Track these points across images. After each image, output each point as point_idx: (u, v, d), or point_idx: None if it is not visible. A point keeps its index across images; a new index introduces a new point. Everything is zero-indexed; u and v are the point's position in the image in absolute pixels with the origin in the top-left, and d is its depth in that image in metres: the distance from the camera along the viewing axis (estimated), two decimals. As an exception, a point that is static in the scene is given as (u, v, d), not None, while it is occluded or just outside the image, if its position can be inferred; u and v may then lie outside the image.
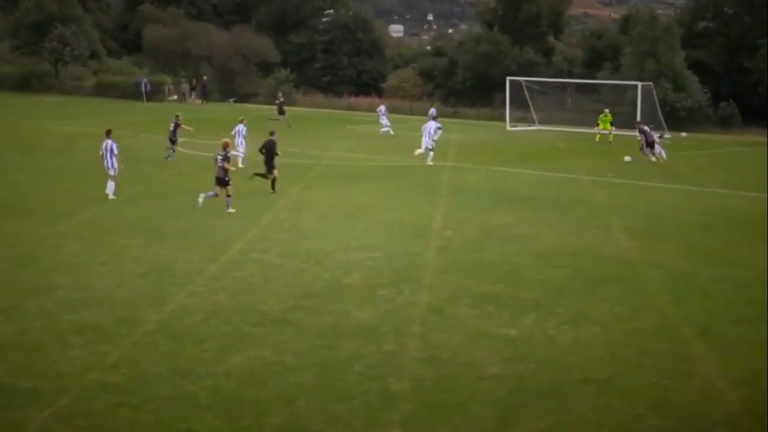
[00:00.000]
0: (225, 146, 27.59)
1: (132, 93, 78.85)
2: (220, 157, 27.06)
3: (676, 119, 60.98)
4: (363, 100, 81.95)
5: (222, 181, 26.88)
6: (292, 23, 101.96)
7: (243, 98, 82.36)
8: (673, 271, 20.04)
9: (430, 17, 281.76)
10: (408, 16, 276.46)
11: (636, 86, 56.41)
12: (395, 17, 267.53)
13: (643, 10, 77.67)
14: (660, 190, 32.72)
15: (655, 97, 57.21)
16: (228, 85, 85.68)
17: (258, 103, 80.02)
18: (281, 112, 59.03)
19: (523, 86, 62.03)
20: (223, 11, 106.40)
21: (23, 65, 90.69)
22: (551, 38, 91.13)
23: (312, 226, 24.67)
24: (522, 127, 56.08)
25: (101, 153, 29.34)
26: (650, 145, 41.46)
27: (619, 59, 72.06)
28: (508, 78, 63.06)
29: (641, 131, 42.55)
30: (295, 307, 16.95)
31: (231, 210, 26.43)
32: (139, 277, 18.90)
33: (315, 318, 16.26)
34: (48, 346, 14.57)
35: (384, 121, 53.74)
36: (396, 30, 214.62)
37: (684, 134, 57.07)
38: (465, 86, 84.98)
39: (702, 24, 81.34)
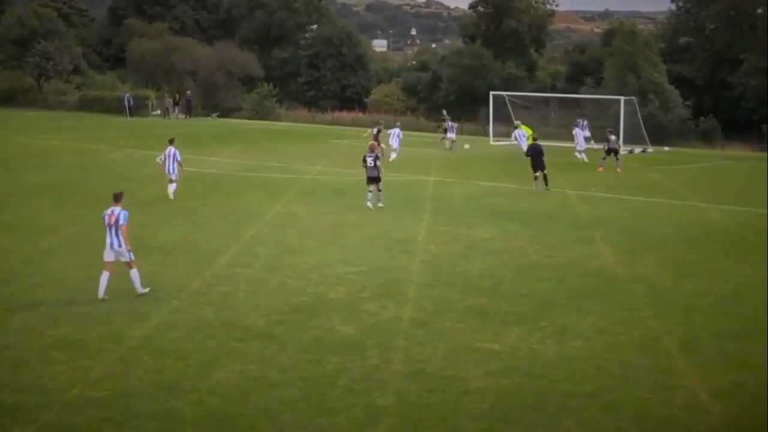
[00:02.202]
0: (372, 148, 30.79)
1: (115, 108, 78.77)
2: (370, 159, 29.93)
3: (658, 134, 61.25)
4: (347, 115, 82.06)
5: (374, 179, 29.87)
6: (275, 38, 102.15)
7: (226, 113, 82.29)
8: (655, 285, 20.12)
9: (413, 32, 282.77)
10: (391, 31, 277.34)
11: (619, 101, 56.59)
12: (379, 32, 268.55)
13: (625, 24, 78.02)
14: (643, 204, 32.85)
15: (638, 112, 57.43)
16: (211, 99, 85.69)
17: (241, 117, 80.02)
18: (446, 131, 58.18)
19: (506, 100, 62.18)
20: (206, 26, 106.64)
21: (6, 80, 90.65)
22: (534, 52, 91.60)
23: (296, 241, 24.67)
24: (505, 142, 56.21)
25: (162, 159, 31.66)
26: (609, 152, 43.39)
27: (602, 73, 72.47)
28: (491, 92, 63.22)
29: (606, 139, 44.18)
30: (279, 321, 16.94)
31: (381, 204, 29.86)
32: (123, 293, 18.84)
33: (299, 332, 16.25)
34: (31, 362, 14.52)
35: (452, 135, 54.97)
36: (380, 45, 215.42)
37: (666, 148, 57.33)
38: (449, 100, 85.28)
39: (683, 39, 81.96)
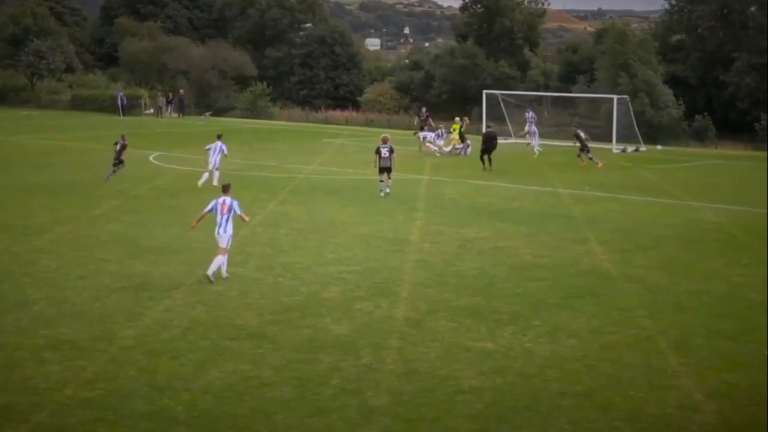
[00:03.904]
0: (385, 140, 32.63)
1: (108, 107, 78.61)
2: (385, 150, 32.03)
3: (652, 133, 61.26)
4: (340, 114, 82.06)
5: (388, 170, 32.09)
6: (269, 37, 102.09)
7: (219, 112, 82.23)
8: (649, 285, 20.12)
9: (406, 31, 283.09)
10: (384, 30, 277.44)
11: (612, 99, 56.60)
12: (372, 31, 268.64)
13: (618, 23, 77.97)
14: (636, 203, 32.86)
15: (631, 111, 57.46)
16: (204, 98, 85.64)
17: (235, 116, 79.93)
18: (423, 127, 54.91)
19: (499, 99, 62.16)
20: (199, 25, 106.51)
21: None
22: (527, 51, 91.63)
23: (289, 240, 24.63)
24: (498, 141, 56.17)
25: (207, 148, 34.19)
26: (584, 149, 43.42)
27: (595, 73, 72.43)
28: (484, 91, 63.18)
29: (576, 136, 44.24)
30: (272, 321, 16.92)
31: (388, 190, 32.13)
32: (116, 292, 18.82)
33: (292, 332, 16.24)
34: (23, 362, 14.48)
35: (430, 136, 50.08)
36: (373, 44, 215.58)
37: (659, 147, 57.34)
38: (441, 99, 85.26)
39: (676, 37, 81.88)
